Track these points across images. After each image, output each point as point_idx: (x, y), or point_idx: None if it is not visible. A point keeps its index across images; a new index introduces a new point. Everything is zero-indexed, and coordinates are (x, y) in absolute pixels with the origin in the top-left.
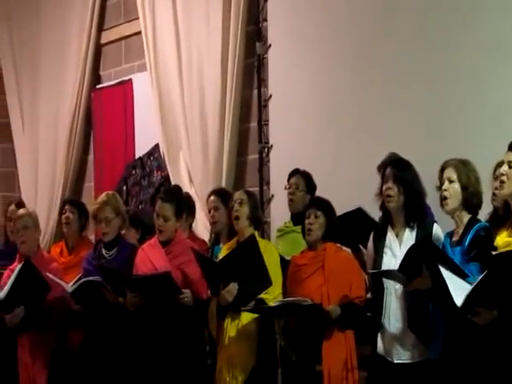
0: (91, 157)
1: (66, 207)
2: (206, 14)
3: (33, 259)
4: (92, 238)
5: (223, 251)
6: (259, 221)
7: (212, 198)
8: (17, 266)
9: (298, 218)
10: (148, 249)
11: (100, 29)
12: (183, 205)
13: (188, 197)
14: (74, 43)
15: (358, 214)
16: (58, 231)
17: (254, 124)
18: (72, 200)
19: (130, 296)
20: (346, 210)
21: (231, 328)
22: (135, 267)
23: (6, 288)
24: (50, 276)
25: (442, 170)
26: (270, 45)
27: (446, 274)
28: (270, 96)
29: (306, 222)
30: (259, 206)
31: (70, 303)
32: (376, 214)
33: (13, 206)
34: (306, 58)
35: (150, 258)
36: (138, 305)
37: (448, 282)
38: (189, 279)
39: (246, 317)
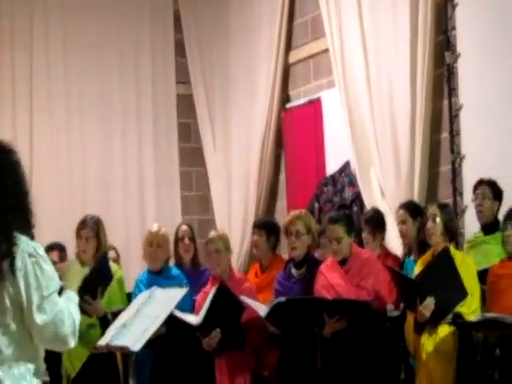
0: (282, 176)
1: (254, 230)
2: (393, 27)
3: (226, 281)
4: (285, 256)
5: (418, 265)
6: (454, 233)
7: (400, 211)
8: (211, 289)
9: (488, 228)
10: (327, 272)
11: (288, 49)
12: (353, 220)
13: (378, 212)
14: (262, 65)
15: None
16: (253, 251)
17: (445, 135)
18: (258, 222)
19: (330, 321)
20: None
21: (429, 343)
22: (316, 293)
23: (203, 312)
24: (244, 298)
25: None
26: (460, 54)
27: None
28: (461, 106)
29: (505, 233)
30: (454, 217)
31: (266, 325)
32: None
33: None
34: (497, 65)
35: (330, 283)
36: (337, 329)
37: None
38: (372, 292)
39: (444, 331)
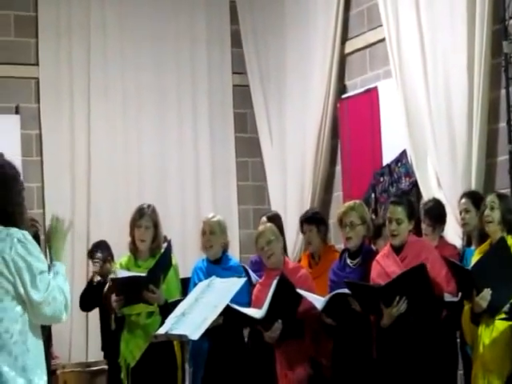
0: (338, 167)
1: (304, 226)
2: (450, 16)
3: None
4: (340, 246)
5: (476, 255)
6: None
7: (463, 200)
8: (266, 282)
9: None
10: (382, 260)
11: (344, 39)
12: (415, 207)
13: (438, 203)
14: (318, 55)
15: None
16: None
17: (502, 124)
18: (305, 217)
19: (391, 310)
20: None
21: (485, 334)
22: (372, 281)
23: (265, 305)
24: (300, 291)
25: None
26: None
27: None
28: None
29: None
30: None
31: (322, 317)
32: None
33: (264, 218)
34: None
35: (385, 271)
36: (395, 316)
37: None
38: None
39: (502, 323)
